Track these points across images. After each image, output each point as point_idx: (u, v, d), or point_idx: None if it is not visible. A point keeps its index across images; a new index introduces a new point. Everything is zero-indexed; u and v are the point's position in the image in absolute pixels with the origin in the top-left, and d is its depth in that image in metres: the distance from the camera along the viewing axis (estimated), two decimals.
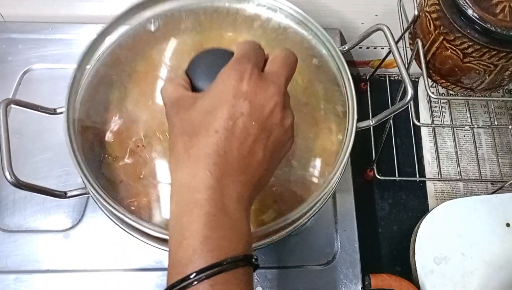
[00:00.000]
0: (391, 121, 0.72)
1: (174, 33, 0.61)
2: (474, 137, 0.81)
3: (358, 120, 0.52)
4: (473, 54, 0.53)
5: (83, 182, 0.49)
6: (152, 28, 0.59)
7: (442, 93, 0.83)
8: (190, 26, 0.60)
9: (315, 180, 0.56)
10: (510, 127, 0.68)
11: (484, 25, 0.49)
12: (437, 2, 0.53)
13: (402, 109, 0.50)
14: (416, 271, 0.64)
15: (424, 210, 0.76)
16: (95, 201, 0.48)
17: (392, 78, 0.88)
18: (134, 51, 0.59)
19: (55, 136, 0.64)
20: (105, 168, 0.56)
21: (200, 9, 0.58)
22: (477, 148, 0.80)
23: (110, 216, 0.48)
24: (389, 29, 0.52)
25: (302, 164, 0.57)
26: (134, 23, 0.57)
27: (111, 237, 0.60)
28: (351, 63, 0.86)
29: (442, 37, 0.54)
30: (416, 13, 0.58)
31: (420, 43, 0.58)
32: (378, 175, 0.76)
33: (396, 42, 0.54)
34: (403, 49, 0.67)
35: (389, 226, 0.76)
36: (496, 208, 0.67)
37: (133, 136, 0.57)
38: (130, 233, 0.47)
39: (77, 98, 0.53)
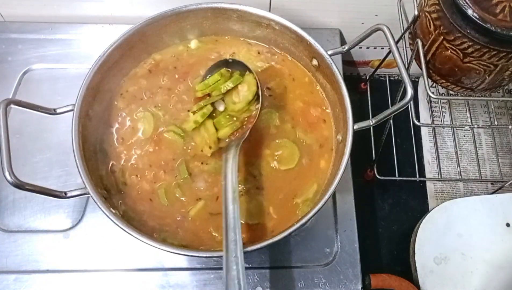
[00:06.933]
0: (391, 121, 0.72)
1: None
2: (474, 137, 0.81)
3: (359, 120, 0.52)
4: (473, 54, 0.53)
5: (83, 182, 0.49)
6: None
7: (442, 93, 0.83)
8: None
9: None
10: (510, 127, 0.68)
11: (484, 25, 0.49)
12: (437, 2, 0.53)
13: (402, 109, 0.50)
14: (416, 271, 0.64)
15: (424, 210, 0.76)
16: (94, 201, 0.48)
17: (392, 78, 0.88)
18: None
19: (55, 136, 0.64)
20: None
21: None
22: (477, 148, 0.80)
23: (110, 216, 0.47)
24: (389, 29, 0.52)
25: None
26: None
27: (111, 237, 0.60)
28: (351, 63, 0.86)
29: (442, 37, 0.54)
30: (416, 13, 0.58)
31: (420, 43, 0.58)
32: (378, 175, 0.76)
33: (396, 42, 0.54)
34: (403, 49, 0.67)
35: (389, 226, 0.76)
36: (496, 208, 0.67)
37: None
38: (129, 233, 0.47)
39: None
